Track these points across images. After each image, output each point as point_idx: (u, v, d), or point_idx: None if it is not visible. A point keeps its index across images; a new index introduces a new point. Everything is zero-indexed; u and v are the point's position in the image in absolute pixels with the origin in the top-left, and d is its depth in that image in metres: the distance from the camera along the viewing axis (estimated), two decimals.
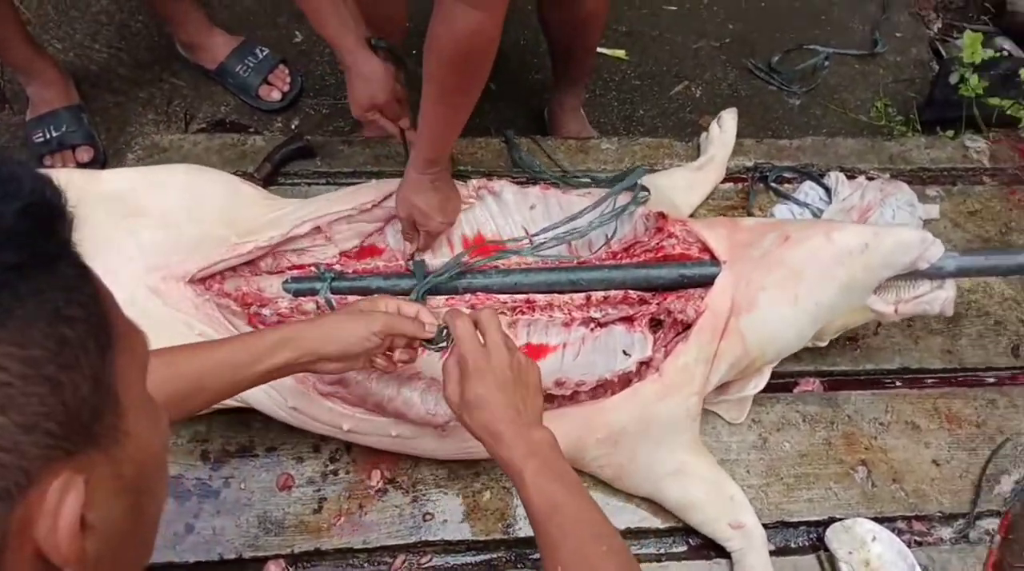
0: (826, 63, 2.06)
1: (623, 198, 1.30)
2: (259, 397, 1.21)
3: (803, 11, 2.16)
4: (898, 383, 1.40)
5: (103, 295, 0.43)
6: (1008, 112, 1.68)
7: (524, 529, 1.23)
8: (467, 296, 1.28)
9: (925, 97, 1.94)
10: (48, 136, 1.79)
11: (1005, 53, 1.91)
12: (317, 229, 1.31)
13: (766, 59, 2.07)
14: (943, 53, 2.09)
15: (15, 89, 1.88)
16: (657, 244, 1.27)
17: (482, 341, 0.95)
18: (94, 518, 0.40)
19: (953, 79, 1.75)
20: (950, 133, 1.72)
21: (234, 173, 1.43)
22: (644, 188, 1.30)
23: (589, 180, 1.46)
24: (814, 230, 1.18)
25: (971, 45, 1.68)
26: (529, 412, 0.93)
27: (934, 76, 1.96)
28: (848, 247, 1.15)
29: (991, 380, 1.41)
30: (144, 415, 0.46)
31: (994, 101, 1.69)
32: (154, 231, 1.27)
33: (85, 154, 1.80)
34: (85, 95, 1.88)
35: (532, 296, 1.28)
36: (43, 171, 0.42)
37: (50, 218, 0.41)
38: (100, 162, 1.81)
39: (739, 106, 1.66)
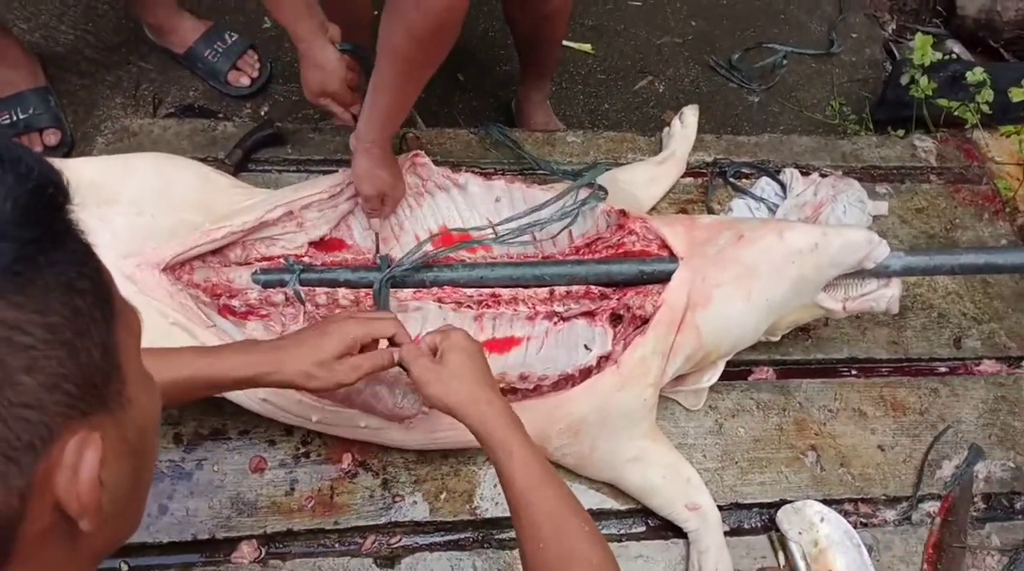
0: (784, 62, 2.12)
1: (584, 193, 1.34)
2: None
3: (763, 10, 2.22)
4: (847, 372, 1.47)
5: (104, 271, 0.47)
6: (955, 113, 1.76)
7: (490, 510, 1.27)
8: (434, 289, 1.31)
9: (878, 97, 2.01)
10: (15, 118, 1.78)
11: (954, 56, 1.99)
12: (289, 213, 1.33)
13: (727, 56, 2.13)
14: (896, 54, 2.17)
15: None
16: (618, 240, 1.31)
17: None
18: (105, 476, 0.44)
19: (904, 80, 1.83)
20: (900, 132, 1.79)
21: (204, 159, 1.45)
22: (601, 187, 1.35)
23: (565, 170, 1.49)
24: (767, 230, 1.24)
25: (921, 47, 1.76)
26: (491, 386, 1.00)
27: (887, 76, 2.03)
28: (799, 246, 1.21)
29: (937, 370, 1.49)
30: (142, 384, 0.50)
31: (943, 102, 1.77)
32: (127, 218, 1.28)
33: (52, 137, 1.79)
34: (52, 77, 1.86)
35: (497, 290, 1.32)
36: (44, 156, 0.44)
37: (57, 197, 0.44)
38: (67, 145, 1.80)
39: (701, 102, 1.72)
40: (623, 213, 1.32)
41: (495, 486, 1.29)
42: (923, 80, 1.80)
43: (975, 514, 1.36)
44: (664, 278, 1.27)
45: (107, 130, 1.59)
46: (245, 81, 1.94)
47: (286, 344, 1.00)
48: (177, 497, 1.25)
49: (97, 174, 1.31)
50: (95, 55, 1.95)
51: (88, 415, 0.43)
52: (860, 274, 1.27)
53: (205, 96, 1.94)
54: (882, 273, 1.26)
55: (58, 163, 1.36)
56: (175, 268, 1.29)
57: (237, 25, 1.98)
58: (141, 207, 1.29)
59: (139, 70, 1.95)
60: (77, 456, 0.42)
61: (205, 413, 1.31)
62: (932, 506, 1.36)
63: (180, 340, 1.24)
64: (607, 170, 1.45)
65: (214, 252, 1.32)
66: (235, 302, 1.30)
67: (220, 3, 2.06)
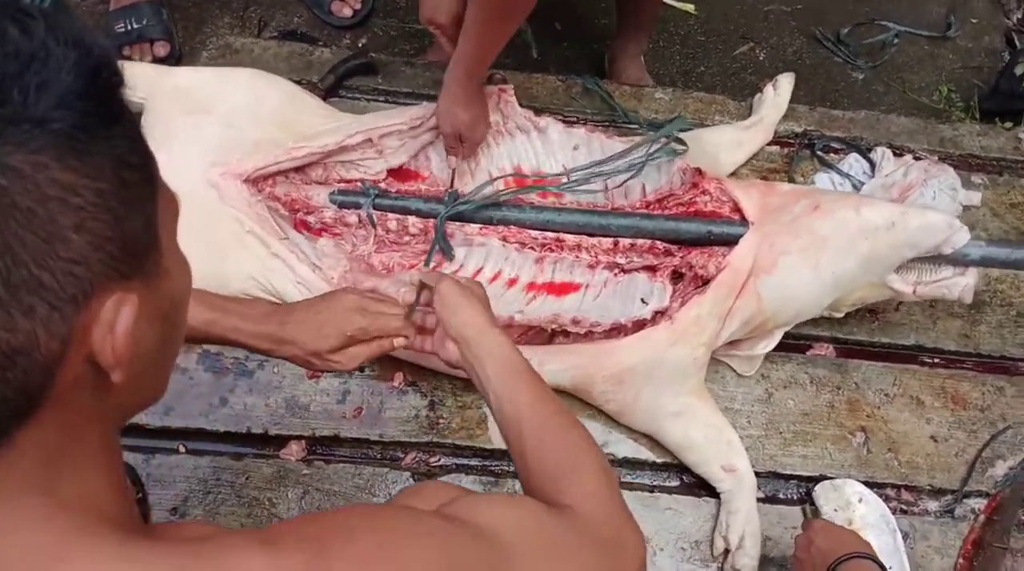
0: (895, 40, 2.04)
1: (660, 145, 1.34)
2: (295, 297, 1.29)
3: None
4: (911, 359, 1.43)
5: (150, 154, 0.51)
6: None
7: None
8: (500, 228, 1.34)
9: (990, 86, 1.92)
10: (129, 27, 1.86)
11: None
12: (368, 141, 1.37)
13: (835, 30, 2.06)
14: (1017, 44, 2.06)
15: None
16: (690, 199, 1.31)
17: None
18: (137, 335, 0.48)
19: (1019, 70, 1.74)
20: (1008, 124, 1.71)
21: (299, 82, 1.50)
22: (681, 141, 1.34)
23: (648, 122, 1.49)
24: (845, 202, 1.21)
25: None
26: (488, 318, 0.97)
27: (1003, 66, 1.93)
28: (875, 223, 1.18)
29: (1007, 368, 1.44)
30: (176, 260, 0.55)
31: None
32: (218, 128, 1.35)
33: (162, 48, 1.88)
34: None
35: (562, 235, 1.33)
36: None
37: (115, 80, 0.48)
38: (175, 57, 1.88)
39: (802, 74, 1.67)
40: (699, 172, 1.31)
41: None
42: None
43: (1023, 517, 1.31)
44: (732, 241, 1.26)
45: (211, 45, 1.66)
46: (347, 12, 1.98)
47: (292, 327, 1.00)
48: (237, 392, 1.33)
49: (195, 83, 1.39)
50: None
51: (127, 278, 0.47)
52: (936, 259, 1.23)
53: (308, 23, 1.99)
54: (959, 260, 1.22)
55: (161, 69, 1.44)
56: (257, 180, 1.35)
57: None
58: (232, 119, 1.36)
59: None
60: (114, 313, 0.46)
61: None
62: (978, 503, 1.33)
63: (253, 248, 1.31)
64: (689, 127, 1.44)
65: (297, 169, 1.38)
66: (311, 218, 1.36)
67: None
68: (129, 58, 1.85)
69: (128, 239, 0.47)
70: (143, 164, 0.49)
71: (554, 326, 1.25)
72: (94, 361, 0.47)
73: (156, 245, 0.51)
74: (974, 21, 2.11)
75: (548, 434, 0.84)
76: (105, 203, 0.45)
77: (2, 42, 0.42)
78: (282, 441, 1.31)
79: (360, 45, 1.97)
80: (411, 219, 1.34)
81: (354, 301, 1.04)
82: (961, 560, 1.28)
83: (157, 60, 1.86)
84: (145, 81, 1.38)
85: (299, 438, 1.31)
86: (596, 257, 1.32)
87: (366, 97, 1.61)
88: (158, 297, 0.52)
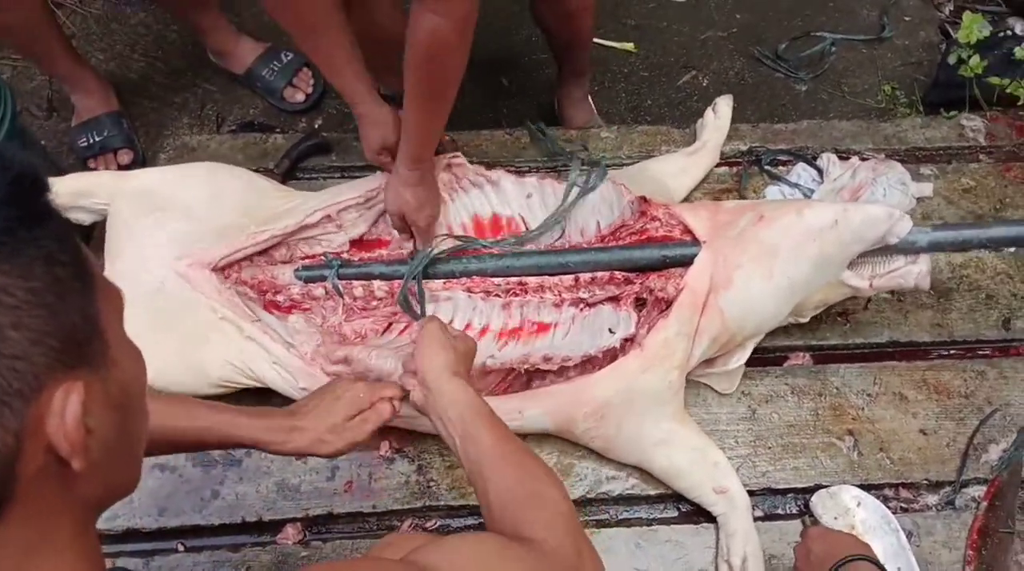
0: (833, 49, 2.09)
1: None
2: (274, 378, 1.32)
3: None
4: (888, 356, 1.44)
5: (85, 252, 0.53)
6: (1008, 91, 1.70)
7: None
8: (463, 279, 1.36)
9: (931, 80, 1.96)
10: (91, 141, 1.93)
11: (1011, 33, 1.91)
12: (327, 217, 1.41)
13: (772, 47, 2.11)
14: (952, 35, 2.10)
15: (62, 97, 2.03)
16: (642, 227, 1.33)
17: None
18: (91, 423, 0.50)
19: (951, 59, 1.78)
20: (952, 113, 1.74)
21: (255, 169, 1.54)
22: (597, 163, 1.43)
23: (569, 153, 1.57)
24: (787, 209, 1.24)
25: (968, 25, 1.71)
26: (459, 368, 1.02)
27: (940, 58, 1.98)
28: (819, 224, 1.20)
29: (984, 352, 1.44)
30: (125, 351, 0.57)
31: (994, 80, 1.71)
32: (180, 223, 1.39)
33: (125, 157, 1.93)
34: (125, 102, 2.01)
35: (524, 278, 1.36)
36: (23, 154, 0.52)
37: (38, 185, 0.51)
38: (139, 163, 1.94)
39: (746, 93, 1.71)
40: (644, 200, 1.34)
41: None
42: (974, 59, 1.74)
43: None
44: (687, 262, 1.28)
45: (169, 147, 1.71)
46: (300, 97, 2.04)
47: (299, 417, 1.07)
48: (227, 483, 1.33)
49: (154, 183, 1.42)
50: (164, 80, 2.10)
51: (72, 369, 0.50)
52: (887, 250, 1.25)
53: (264, 113, 2.05)
54: (909, 249, 1.24)
55: (118, 175, 1.48)
56: (224, 268, 1.38)
57: (293, 45, 2.09)
58: (193, 211, 1.39)
59: (204, 91, 2.08)
60: (63, 402, 0.49)
61: (252, 404, 1.39)
62: (977, 491, 1.32)
63: (228, 333, 1.34)
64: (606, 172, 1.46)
65: (261, 252, 1.41)
66: (280, 297, 1.39)
67: (276, 26, 2.17)
68: (95, 169, 1.91)
69: (67, 332, 0.49)
70: (74, 260, 0.52)
71: (527, 366, 1.26)
72: (55, 452, 0.49)
73: (100, 337, 0.53)
74: (907, 19, 2.17)
75: (509, 469, 0.86)
76: (39, 300, 0.47)
77: None
78: (277, 526, 1.31)
79: (316, 127, 2.03)
80: (376, 283, 1.36)
81: (350, 380, 1.14)
82: (969, 551, 1.27)
83: (122, 168, 1.91)
84: (105, 188, 1.42)
85: (294, 520, 1.31)
86: (560, 295, 1.34)
87: (322, 175, 1.66)
88: (109, 386, 0.53)
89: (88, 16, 2.19)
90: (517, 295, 1.36)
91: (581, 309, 1.34)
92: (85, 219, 1.42)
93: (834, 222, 1.19)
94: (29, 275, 0.47)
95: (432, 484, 1.32)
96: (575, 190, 1.38)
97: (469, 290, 1.36)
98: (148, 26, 2.18)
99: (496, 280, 1.36)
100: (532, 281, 1.36)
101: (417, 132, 1.29)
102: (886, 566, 1.05)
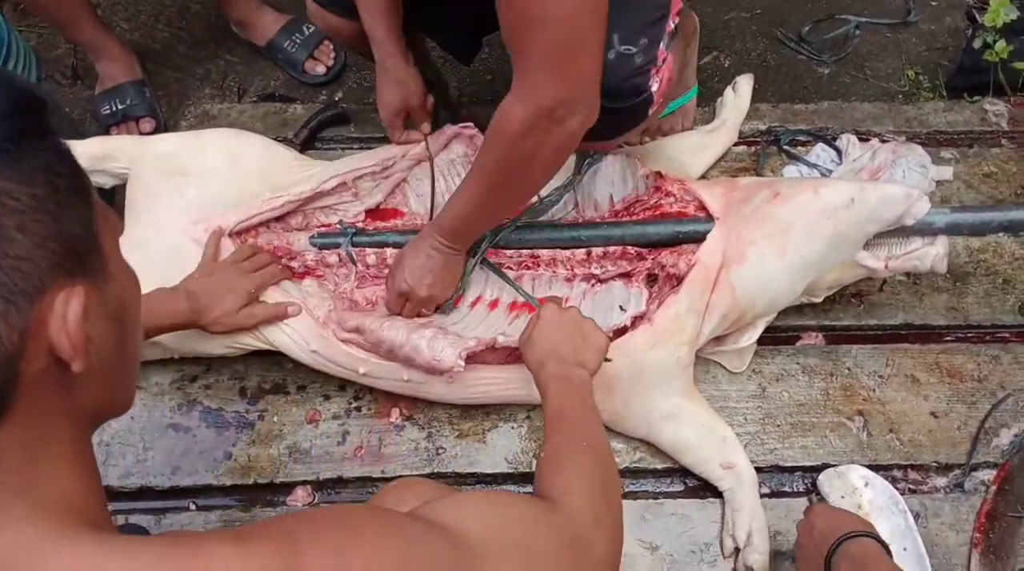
0: (857, 32, 2.06)
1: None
2: (284, 341, 1.33)
3: None
4: (901, 338, 1.43)
5: (83, 173, 0.56)
6: None
7: (528, 465, 1.32)
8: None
9: (956, 64, 1.93)
10: (114, 108, 1.94)
11: None
12: (343, 185, 1.42)
13: (796, 29, 2.09)
14: (979, 20, 2.07)
15: (86, 65, 2.04)
16: (656, 202, 1.33)
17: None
18: (90, 330, 0.53)
19: (977, 44, 1.75)
20: (975, 98, 1.72)
21: (275, 139, 1.55)
22: None
23: None
24: (803, 186, 1.23)
25: (995, 8, 1.68)
26: (578, 357, 1.07)
27: (965, 43, 1.95)
28: (834, 202, 1.19)
29: (999, 336, 1.43)
30: (121, 268, 0.60)
31: (1018, 65, 1.68)
32: (198, 188, 1.40)
33: (147, 125, 1.95)
34: (148, 71, 2.02)
35: (537, 251, 1.36)
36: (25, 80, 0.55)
37: (37, 102, 0.53)
38: (162, 131, 1.95)
39: (767, 75, 1.70)
40: (659, 175, 1.34)
41: (536, 441, 1.33)
42: (1000, 44, 1.72)
43: None
44: (700, 238, 1.28)
45: (189, 114, 1.74)
46: (321, 69, 2.04)
47: (201, 299, 1.25)
48: (240, 444, 1.35)
49: (173, 148, 1.44)
50: (187, 51, 2.11)
51: (73, 276, 0.52)
52: (904, 232, 1.24)
53: (285, 85, 2.05)
54: (926, 230, 1.23)
55: (139, 140, 1.52)
56: (240, 233, 1.40)
57: None
58: (211, 177, 1.41)
59: (226, 63, 2.09)
60: (65, 306, 0.51)
61: (267, 369, 1.41)
62: (987, 474, 1.31)
63: None
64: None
65: (278, 219, 1.43)
66: (294, 263, 1.40)
67: None
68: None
69: (68, 238, 0.52)
70: (73, 174, 0.54)
71: None
72: (56, 356, 0.51)
73: (98, 250, 0.56)
74: (934, 4, 2.13)
75: (565, 440, 0.90)
76: (41, 206, 0.50)
77: None
78: (288, 488, 1.33)
79: (336, 99, 2.03)
80: (388, 251, 1.37)
81: (234, 269, 1.30)
82: (976, 534, 1.27)
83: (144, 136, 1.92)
84: (126, 152, 1.43)
85: (304, 483, 1.33)
86: (572, 270, 1.35)
87: (340, 146, 1.67)
88: (107, 297, 0.56)
89: None
90: (529, 268, 1.36)
91: (593, 285, 1.34)
92: (106, 183, 1.44)
93: (850, 201, 1.18)
94: (31, 182, 0.50)
95: (441, 451, 1.34)
96: (587, 163, 1.37)
97: (481, 262, 1.36)
98: None
99: (508, 252, 1.37)
100: (544, 254, 1.36)
101: (466, 208, 1.17)
102: (891, 546, 1.05)
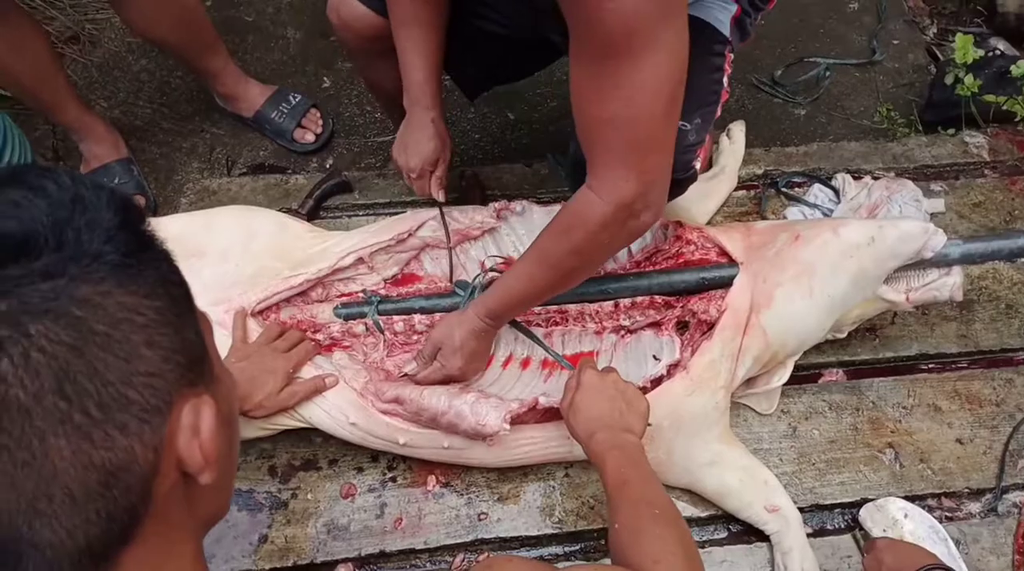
0: (827, 73, 2.15)
1: None
2: (321, 417, 1.31)
3: (801, 27, 2.26)
4: (918, 368, 1.47)
5: (181, 273, 0.56)
6: (1004, 107, 1.76)
7: (572, 524, 1.31)
8: None
9: (925, 99, 2.02)
10: None
11: (998, 52, 1.99)
12: (360, 260, 1.41)
13: (769, 74, 2.17)
14: (940, 56, 2.18)
15: (68, 147, 2.01)
16: (677, 251, 1.36)
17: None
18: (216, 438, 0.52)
19: (948, 80, 1.84)
20: (951, 131, 1.80)
21: (280, 210, 1.54)
22: None
23: None
24: (822, 227, 1.27)
25: (963, 46, 1.77)
26: (625, 423, 1.08)
27: (931, 79, 2.05)
28: (855, 241, 1.23)
29: (1010, 360, 1.48)
30: (222, 368, 0.59)
31: (990, 98, 1.77)
32: (214, 268, 1.38)
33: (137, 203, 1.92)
34: (133, 148, 2.00)
35: (564, 306, 1.37)
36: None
37: (140, 213, 0.53)
38: (151, 209, 1.93)
39: (747, 119, 1.76)
40: (679, 224, 1.37)
41: (578, 499, 1.33)
42: (968, 79, 1.81)
43: None
44: (726, 283, 1.31)
45: (189, 191, 1.72)
46: (310, 137, 2.05)
47: (240, 389, 1.21)
48: (275, 526, 1.32)
49: (183, 229, 1.42)
50: (171, 125, 2.10)
51: (195, 385, 0.52)
52: (921, 265, 1.29)
53: (274, 155, 2.05)
54: (942, 262, 1.28)
55: (151, 221, 1.49)
56: (262, 311, 1.38)
57: (299, 87, 2.11)
58: (226, 256, 1.39)
59: (212, 136, 2.08)
60: (194, 417, 0.50)
61: (295, 445, 1.38)
62: (1018, 496, 1.34)
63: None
64: None
65: (298, 293, 1.41)
66: (320, 336, 1.38)
67: (282, 69, 2.20)
68: None
69: (188, 348, 0.51)
70: (181, 281, 0.54)
71: None
72: (182, 469, 0.51)
73: (206, 353, 0.55)
74: (895, 42, 2.24)
75: (636, 509, 0.92)
76: (164, 318, 0.49)
77: (45, 195, 0.47)
78: (330, 567, 1.29)
79: (328, 166, 2.03)
80: (416, 317, 1.36)
81: (267, 350, 1.29)
82: (1017, 556, 1.29)
83: None
84: None
85: (346, 561, 1.29)
86: (600, 323, 1.36)
87: (347, 214, 1.66)
88: (220, 401, 0.55)
89: (90, 64, 2.19)
90: (558, 324, 1.37)
91: (622, 336, 1.36)
92: None
93: (871, 239, 1.22)
94: (153, 295, 0.49)
95: (483, 517, 1.32)
96: None
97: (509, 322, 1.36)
98: (151, 72, 2.18)
99: (536, 309, 1.37)
100: (572, 309, 1.37)
101: (522, 291, 1.18)
102: None
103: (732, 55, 1.28)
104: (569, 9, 0.91)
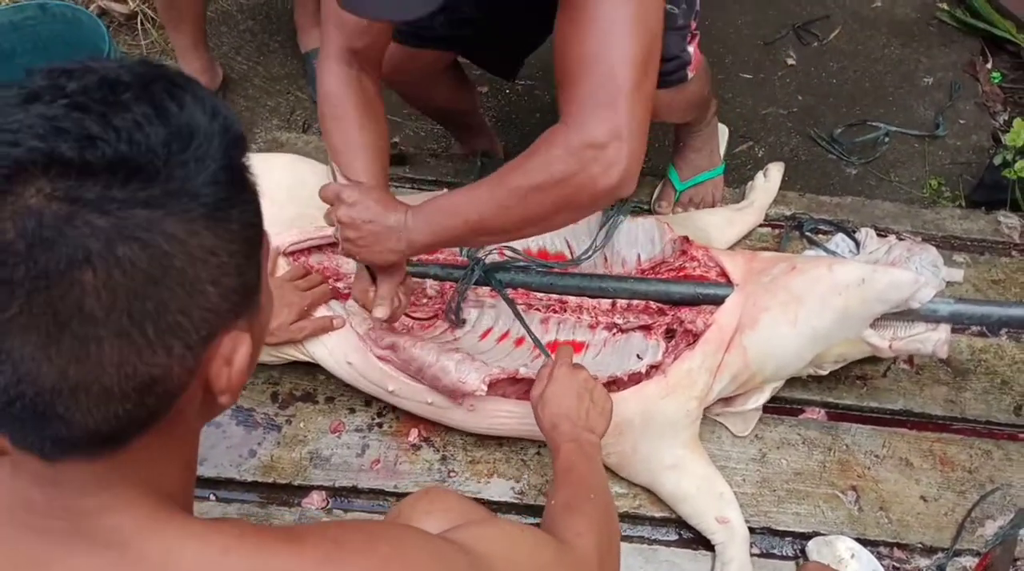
0: (886, 139, 2.19)
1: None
2: (323, 353, 1.42)
3: (870, 91, 2.30)
4: (899, 423, 1.50)
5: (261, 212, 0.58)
6: None
7: (533, 498, 1.39)
8: (508, 290, 1.47)
9: (977, 180, 2.04)
10: None
11: None
12: None
13: (829, 130, 2.22)
14: (1003, 141, 2.20)
15: None
16: (680, 265, 1.44)
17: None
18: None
19: (997, 160, 1.86)
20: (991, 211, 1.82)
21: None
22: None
23: None
24: (818, 262, 1.33)
25: (1017, 130, 1.80)
26: (588, 422, 1.15)
27: (989, 161, 2.06)
28: (846, 279, 1.29)
29: (993, 433, 1.50)
30: (268, 293, 0.63)
31: None
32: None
33: None
34: (224, 97, 2.19)
35: (565, 297, 1.46)
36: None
37: (244, 144, 0.56)
38: None
39: (797, 168, 1.82)
40: (686, 240, 1.44)
41: (543, 476, 1.41)
42: (1019, 163, 1.83)
43: None
44: (719, 301, 1.37)
45: (260, 139, 1.87)
46: None
47: None
48: (265, 445, 1.44)
49: None
50: (261, 83, 2.28)
51: (240, 318, 0.56)
52: (909, 316, 1.33)
53: None
54: (930, 317, 1.32)
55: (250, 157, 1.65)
56: (293, 253, 1.51)
57: None
58: (272, 197, 1.49)
59: (296, 99, 2.26)
60: (231, 348, 0.55)
61: (300, 377, 1.51)
62: (969, 561, 1.36)
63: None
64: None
65: (330, 243, 1.54)
66: (340, 284, 1.50)
67: None
68: None
69: (247, 288, 0.56)
70: (260, 222, 0.57)
71: None
72: (208, 387, 0.56)
73: (260, 284, 0.59)
74: (962, 122, 2.26)
75: (575, 491, 1.00)
76: (235, 261, 0.53)
77: (166, 120, 0.50)
78: (305, 491, 1.41)
79: (395, 141, 2.18)
80: (428, 282, 1.47)
81: (289, 287, 1.39)
82: None
83: None
84: None
85: (320, 488, 1.40)
86: (596, 318, 1.44)
87: (394, 184, 1.78)
88: (255, 329, 0.59)
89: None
90: (556, 312, 1.46)
91: (614, 333, 1.44)
92: None
93: (861, 280, 1.28)
94: (233, 239, 0.53)
95: (452, 474, 1.41)
96: (612, 221, 1.49)
97: (513, 300, 1.46)
98: (254, 33, 2.38)
99: (538, 295, 1.47)
100: (572, 301, 1.46)
101: (450, 195, 1.16)
102: None
103: None
104: None
